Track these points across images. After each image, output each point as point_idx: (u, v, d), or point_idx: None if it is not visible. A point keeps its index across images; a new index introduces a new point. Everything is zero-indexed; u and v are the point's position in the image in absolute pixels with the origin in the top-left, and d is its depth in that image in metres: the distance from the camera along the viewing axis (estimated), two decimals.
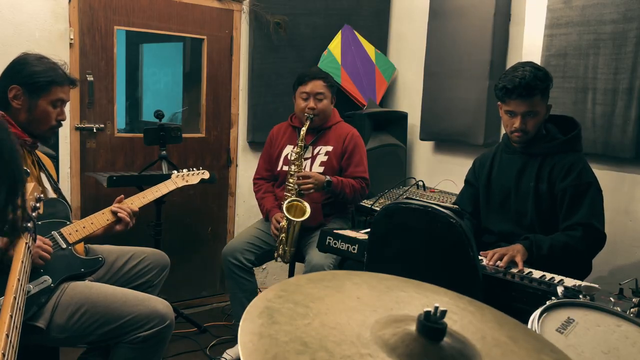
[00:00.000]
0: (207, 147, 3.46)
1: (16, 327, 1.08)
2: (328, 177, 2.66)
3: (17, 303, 1.12)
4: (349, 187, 2.72)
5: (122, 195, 2.15)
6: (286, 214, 2.58)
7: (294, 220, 2.59)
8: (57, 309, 1.76)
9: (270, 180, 2.95)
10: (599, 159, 2.58)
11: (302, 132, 2.70)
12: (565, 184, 2.07)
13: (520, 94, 2.03)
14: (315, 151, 2.80)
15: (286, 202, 2.62)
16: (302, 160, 2.72)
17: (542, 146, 2.13)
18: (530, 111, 2.06)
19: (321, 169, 2.75)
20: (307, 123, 2.70)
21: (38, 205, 1.37)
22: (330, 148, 2.80)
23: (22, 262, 1.20)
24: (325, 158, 2.78)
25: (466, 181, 2.41)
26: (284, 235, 2.64)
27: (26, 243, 1.25)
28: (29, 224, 1.28)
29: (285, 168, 2.79)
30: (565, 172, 2.08)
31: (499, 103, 2.18)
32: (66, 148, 2.95)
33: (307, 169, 2.75)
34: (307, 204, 2.60)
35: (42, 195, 1.38)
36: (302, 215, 2.58)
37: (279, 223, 2.67)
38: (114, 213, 2.04)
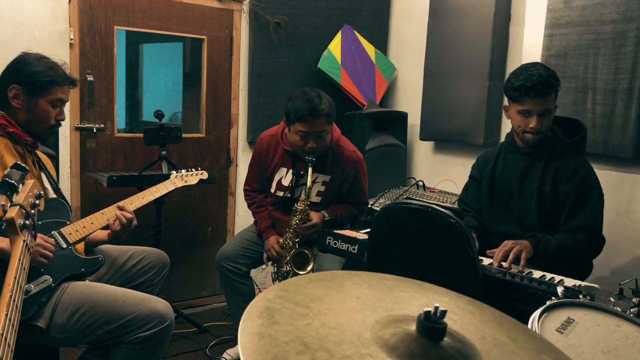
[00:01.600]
0: (207, 147, 3.46)
1: (12, 326, 1.07)
2: (327, 216, 2.57)
3: (14, 301, 1.11)
4: (347, 216, 2.66)
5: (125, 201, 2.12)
6: (293, 268, 2.51)
7: (298, 273, 2.52)
8: (57, 308, 1.76)
9: (261, 192, 2.79)
10: (599, 159, 2.59)
11: (307, 184, 2.43)
12: (568, 187, 2.07)
13: (539, 92, 2.02)
14: (312, 178, 2.55)
15: (292, 252, 2.53)
16: (308, 211, 2.52)
17: (548, 148, 2.12)
18: (546, 110, 2.05)
19: (318, 199, 2.61)
20: (310, 169, 2.42)
21: (38, 202, 1.36)
22: (327, 178, 2.58)
23: (20, 259, 1.20)
24: (322, 188, 2.59)
25: (471, 177, 2.40)
26: (284, 272, 2.57)
27: (24, 241, 1.24)
28: (27, 222, 1.27)
29: (279, 193, 2.64)
30: (570, 175, 2.07)
31: (506, 105, 2.17)
32: (66, 148, 2.95)
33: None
34: (312, 260, 2.50)
35: (42, 192, 1.37)
36: (307, 266, 2.52)
37: (277, 253, 2.57)
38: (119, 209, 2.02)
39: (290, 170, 2.59)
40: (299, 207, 2.50)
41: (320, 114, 2.35)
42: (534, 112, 2.05)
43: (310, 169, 2.42)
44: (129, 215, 2.01)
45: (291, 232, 2.55)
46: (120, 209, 2.01)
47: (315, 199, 2.61)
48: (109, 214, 2.03)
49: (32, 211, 1.32)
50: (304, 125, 2.37)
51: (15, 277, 1.15)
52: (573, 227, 2.05)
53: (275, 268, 2.66)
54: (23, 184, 1.33)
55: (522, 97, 2.05)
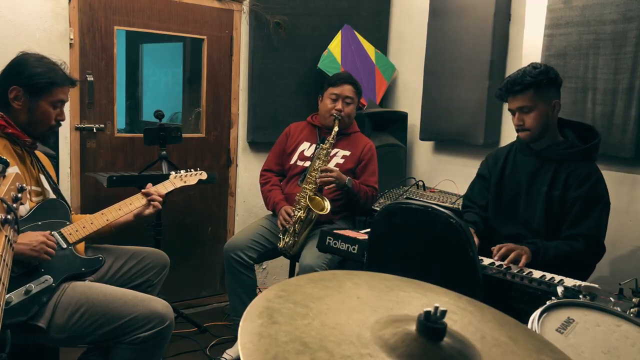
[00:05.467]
0: (207, 147, 3.46)
1: None
2: (349, 178, 2.72)
3: None
4: (364, 192, 2.78)
5: (150, 184, 2.22)
6: (309, 204, 2.62)
7: (313, 212, 2.63)
8: (57, 308, 1.76)
9: (278, 175, 2.99)
10: (599, 159, 2.57)
11: (334, 131, 2.75)
12: (578, 192, 2.06)
13: (509, 90, 2.10)
14: (332, 153, 2.84)
15: (309, 193, 2.65)
16: (328, 157, 2.76)
17: (561, 152, 2.12)
18: (523, 106, 2.08)
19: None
20: (337, 123, 2.76)
21: (20, 195, 1.30)
22: (347, 153, 2.86)
23: (1, 255, 1.16)
24: (341, 161, 2.84)
25: (479, 174, 2.39)
26: (298, 225, 2.66)
27: (6, 236, 1.20)
28: (9, 216, 1.22)
29: (300, 163, 2.85)
30: (581, 181, 2.06)
31: None
32: (66, 148, 2.95)
33: None
34: (327, 201, 2.65)
35: (24, 185, 1.33)
36: (322, 210, 2.63)
37: (289, 215, 2.69)
38: (146, 195, 2.15)
39: (314, 144, 2.85)
40: (324, 146, 2.74)
41: (348, 80, 2.89)
42: (513, 110, 2.12)
43: (337, 122, 2.77)
44: (159, 199, 2.16)
45: (310, 179, 2.69)
46: (148, 194, 2.15)
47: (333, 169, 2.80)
48: (109, 215, 2.04)
49: (14, 205, 1.28)
50: (335, 88, 2.85)
51: None
52: (574, 233, 2.04)
53: (286, 235, 2.71)
54: (4, 177, 1.28)
55: (501, 98, 2.18)
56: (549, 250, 2.00)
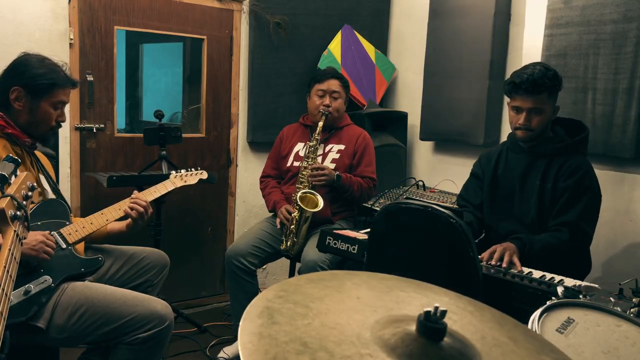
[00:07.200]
0: (207, 147, 3.46)
1: (2, 315, 1.07)
2: (338, 172, 2.72)
3: (3, 290, 1.11)
4: (357, 184, 2.76)
5: (135, 191, 2.18)
6: (299, 203, 2.61)
7: (306, 211, 2.61)
8: (57, 309, 1.76)
9: (276, 178, 2.99)
10: (599, 159, 2.58)
11: (319, 126, 2.73)
12: (567, 183, 2.09)
13: (527, 89, 2.06)
14: (327, 149, 2.85)
15: (299, 192, 2.65)
16: (316, 154, 2.76)
17: (550, 147, 2.15)
18: (535, 108, 2.08)
19: (332, 166, 2.79)
20: (323, 119, 2.75)
21: (30, 194, 1.34)
22: (342, 147, 2.85)
23: (10, 249, 1.19)
24: (337, 156, 2.83)
25: (473, 174, 2.40)
26: (293, 226, 2.66)
27: (15, 231, 1.24)
28: (18, 212, 1.26)
29: (296, 164, 2.84)
30: (570, 172, 2.09)
31: (508, 100, 2.19)
32: (66, 148, 2.95)
33: None
34: (319, 197, 2.63)
35: (35, 184, 1.36)
36: (315, 207, 2.61)
37: (289, 214, 2.69)
38: (130, 208, 2.07)
39: (308, 143, 2.82)
40: (310, 144, 2.75)
41: (334, 75, 2.89)
42: (523, 108, 2.10)
43: (323, 118, 2.76)
44: (143, 203, 2.07)
45: (302, 179, 2.69)
46: (134, 199, 2.07)
47: (329, 166, 2.80)
48: (108, 215, 2.04)
49: (24, 202, 1.31)
50: (321, 84, 2.84)
51: (5, 267, 1.15)
52: (559, 222, 2.07)
53: (287, 232, 2.71)
54: (15, 175, 1.33)
55: (511, 93, 2.13)
56: (535, 244, 2.01)
